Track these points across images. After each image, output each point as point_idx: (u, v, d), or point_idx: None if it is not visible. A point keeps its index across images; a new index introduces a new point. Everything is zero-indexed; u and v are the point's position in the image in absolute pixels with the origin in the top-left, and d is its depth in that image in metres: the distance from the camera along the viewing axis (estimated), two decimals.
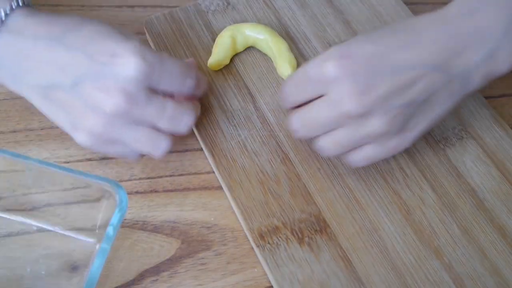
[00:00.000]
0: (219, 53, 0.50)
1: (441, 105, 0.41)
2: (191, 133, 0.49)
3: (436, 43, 0.40)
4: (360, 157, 0.42)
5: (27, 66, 0.40)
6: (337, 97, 0.39)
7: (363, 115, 0.39)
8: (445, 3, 0.42)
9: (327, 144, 0.42)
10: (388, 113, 0.39)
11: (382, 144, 0.41)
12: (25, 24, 0.39)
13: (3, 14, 0.39)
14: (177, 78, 0.41)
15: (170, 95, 0.41)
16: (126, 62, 0.38)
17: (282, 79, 0.51)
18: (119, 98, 0.38)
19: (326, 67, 0.39)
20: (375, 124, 0.40)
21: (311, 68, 0.41)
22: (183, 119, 0.41)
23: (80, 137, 0.40)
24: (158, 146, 0.41)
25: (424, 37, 0.40)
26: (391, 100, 0.39)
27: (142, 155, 0.43)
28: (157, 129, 0.41)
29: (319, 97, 0.41)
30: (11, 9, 0.39)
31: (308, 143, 0.48)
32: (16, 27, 0.39)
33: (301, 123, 0.42)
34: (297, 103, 0.43)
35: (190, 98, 0.44)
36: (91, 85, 0.38)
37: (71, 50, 0.39)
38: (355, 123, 0.40)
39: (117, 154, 0.43)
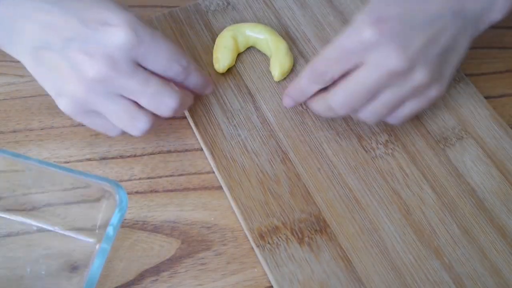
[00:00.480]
0: (226, 57, 0.50)
1: (462, 48, 0.44)
2: (191, 133, 0.49)
3: None
4: (403, 114, 0.45)
5: (22, 27, 0.40)
6: (380, 60, 0.41)
7: (407, 70, 0.41)
8: None
9: (375, 110, 0.43)
10: (428, 64, 0.42)
11: (424, 96, 0.44)
12: None
13: None
14: (164, 59, 0.41)
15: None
16: (115, 31, 0.38)
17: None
18: (102, 64, 0.38)
19: (365, 34, 0.41)
20: (419, 76, 0.42)
21: (347, 39, 0.42)
22: (165, 100, 0.41)
23: (63, 103, 0.40)
24: (137, 124, 0.41)
25: None
26: (429, 51, 0.42)
27: (123, 133, 0.42)
28: (139, 107, 0.41)
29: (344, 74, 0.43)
30: None
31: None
32: None
33: (343, 98, 0.43)
34: (333, 81, 0.44)
35: (184, 87, 0.44)
36: (79, 49, 0.39)
37: (67, 14, 0.39)
38: (400, 81, 0.42)
39: (97, 127, 0.43)
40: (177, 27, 0.53)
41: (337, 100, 0.43)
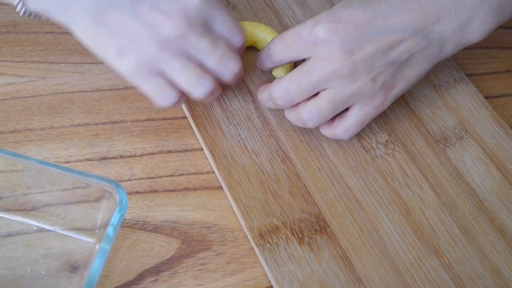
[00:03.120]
0: None
1: (419, 66, 0.45)
2: (191, 133, 0.49)
3: (418, 9, 0.43)
4: (348, 123, 0.45)
5: None
6: (325, 57, 0.42)
7: (350, 73, 0.42)
8: None
9: (315, 109, 0.44)
10: (373, 71, 0.43)
11: (367, 103, 0.45)
12: None
13: None
14: (230, 26, 0.43)
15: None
16: None
17: None
18: (180, 22, 0.39)
19: (318, 29, 0.43)
20: (362, 81, 0.43)
21: (303, 29, 0.44)
22: (230, 63, 0.42)
23: (126, 62, 0.40)
24: (202, 84, 0.42)
25: (407, 3, 0.43)
26: (376, 59, 0.43)
27: (175, 102, 0.42)
28: (205, 69, 0.42)
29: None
30: None
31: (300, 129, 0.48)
32: None
33: (283, 87, 0.44)
34: (282, 63, 0.46)
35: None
36: (152, 7, 0.39)
37: None
38: (342, 82, 0.43)
39: (152, 91, 0.42)
40: None
41: (277, 89, 0.44)
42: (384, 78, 0.44)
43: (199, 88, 0.42)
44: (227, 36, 0.43)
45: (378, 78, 0.43)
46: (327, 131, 0.46)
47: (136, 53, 0.40)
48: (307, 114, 0.44)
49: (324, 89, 0.44)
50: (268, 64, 0.47)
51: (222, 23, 0.42)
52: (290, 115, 0.46)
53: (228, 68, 0.42)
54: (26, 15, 0.43)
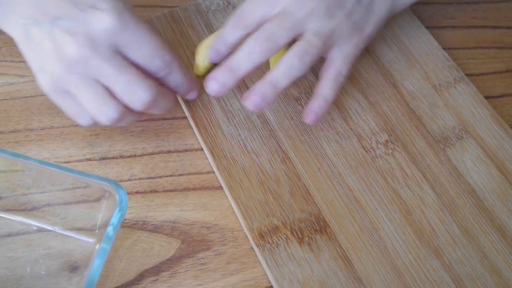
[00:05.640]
0: (197, 66, 0.50)
1: (379, 10, 0.48)
2: (191, 133, 0.49)
3: None
4: (336, 65, 0.46)
5: (15, 3, 0.41)
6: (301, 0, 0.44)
7: (326, 11, 0.44)
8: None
9: (304, 43, 0.44)
10: (345, 8, 0.45)
11: (345, 43, 0.46)
12: None
13: None
14: (146, 51, 0.41)
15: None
16: (101, 15, 0.39)
17: None
18: (81, 44, 0.39)
19: None
20: (338, 17, 0.45)
21: None
22: (138, 91, 0.40)
23: (42, 79, 0.41)
24: (106, 111, 0.41)
25: None
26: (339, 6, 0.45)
27: (93, 123, 0.42)
28: (112, 96, 0.41)
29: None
30: None
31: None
32: None
33: (270, 30, 0.43)
34: (254, 24, 0.45)
35: (165, 85, 0.44)
36: (64, 27, 0.39)
37: None
38: (321, 19, 0.44)
39: (69, 111, 0.43)
40: (177, 27, 0.53)
41: (263, 31, 0.43)
42: (357, 17, 0.46)
43: (103, 115, 0.41)
44: (142, 63, 0.41)
45: (352, 16, 0.45)
46: (324, 84, 0.46)
47: (48, 72, 0.40)
48: (299, 51, 0.43)
49: (305, 31, 0.44)
50: (237, 33, 0.45)
51: (136, 49, 0.40)
52: (286, 63, 0.44)
53: (135, 96, 0.40)
54: None
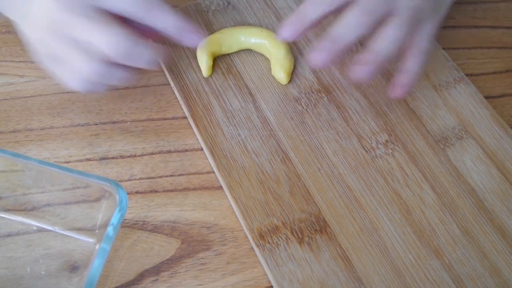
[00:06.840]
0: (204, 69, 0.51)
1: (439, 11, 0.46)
2: (191, 133, 0.49)
3: None
4: (418, 48, 0.45)
5: None
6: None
7: None
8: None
9: (357, 7, 0.43)
10: None
11: (430, 22, 0.45)
12: None
13: None
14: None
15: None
16: None
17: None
18: (64, 7, 0.40)
19: None
20: (425, 1, 0.44)
21: None
22: (114, 36, 0.40)
23: (32, 47, 0.43)
24: (91, 66, 0.41)
25: None
26: None
27: (88, 84, 0.43)
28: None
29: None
30: None
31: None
32: None
33: (364, 17, 0.43)
34: (322, 16, 0.44)
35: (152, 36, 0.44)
36: None
37: None
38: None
39: (62, 77, 0.43)
40: None
41: (349, 23, 0.43)
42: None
43: (90, 71, 0.42)
44: (122, 9, 0.41)
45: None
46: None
47: (38, 39, 0.42)
48: (352, 19, 0.43)
49: (396, 8, 0.43)
50: (319, 10, 0.44)
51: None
52: (342, 28, 0.44)
53: (112, 42, 0.40)
54: None
